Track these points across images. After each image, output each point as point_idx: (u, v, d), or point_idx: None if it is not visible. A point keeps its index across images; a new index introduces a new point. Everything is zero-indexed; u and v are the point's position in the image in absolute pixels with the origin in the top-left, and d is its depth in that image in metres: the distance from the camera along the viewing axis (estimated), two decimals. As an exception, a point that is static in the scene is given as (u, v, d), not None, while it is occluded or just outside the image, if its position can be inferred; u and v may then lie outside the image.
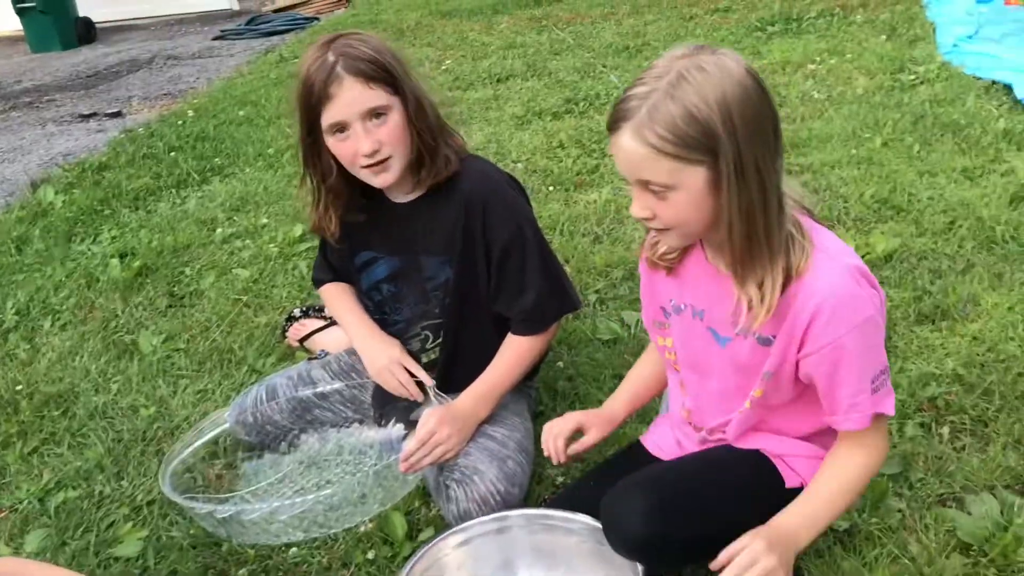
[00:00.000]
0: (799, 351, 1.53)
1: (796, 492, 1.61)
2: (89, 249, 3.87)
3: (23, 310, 3.37)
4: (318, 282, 2.45)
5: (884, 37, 5.66)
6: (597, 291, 3.06)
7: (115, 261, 3.63)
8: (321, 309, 2.99)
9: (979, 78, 4.56)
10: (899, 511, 1.89)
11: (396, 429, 2.31)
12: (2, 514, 2.29)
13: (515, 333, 2.18)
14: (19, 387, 2.83)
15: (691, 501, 1.62)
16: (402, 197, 2.16)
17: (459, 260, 2.14)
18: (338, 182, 2.10)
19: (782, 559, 1.46)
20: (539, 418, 2.43)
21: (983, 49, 4.97)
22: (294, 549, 2.06)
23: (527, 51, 6.65)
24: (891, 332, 2.53)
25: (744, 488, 1.68)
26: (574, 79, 5.67)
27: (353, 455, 2.38)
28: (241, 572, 2.01)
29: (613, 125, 1.46)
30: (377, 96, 1.97)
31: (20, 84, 8.31)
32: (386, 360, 2.21)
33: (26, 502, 2.32)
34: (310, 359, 2.56)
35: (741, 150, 1.39)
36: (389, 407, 2.33)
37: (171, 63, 8.35)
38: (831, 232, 1.56)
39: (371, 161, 1.99)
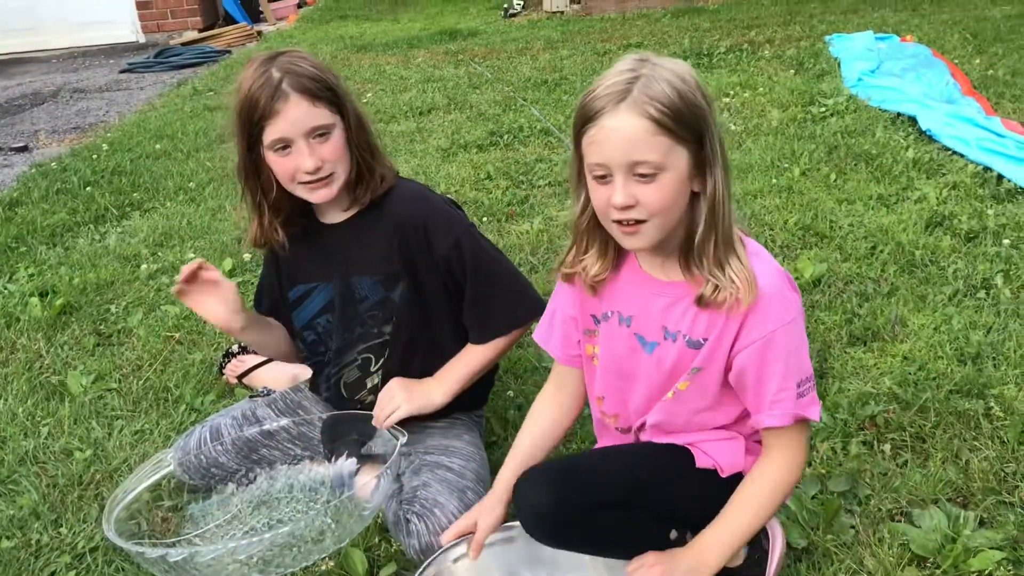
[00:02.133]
0: (732, 347, 1.59)
1: (706, 473, 1.68)
2: (6, 288, 3.71)
3: (-65, 354, 3.21)
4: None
5: (792, 71, 5.90)
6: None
7: (35, 300, 3.50)
8: (255, 344, 2.93)
9: (884, 110, 4.80)
10: (852, 527, 1.96)
11: (348, 463, 2.28)
12: (-69, 568, 2.17)
13: (474, 342, 2.18)
14: (-60, 433, 2.69)
15: (592, 471, 1.71)
16: (334, 217, 2.16)
17: (402, 278, 2.14)
18: (280, 197, 2.10)
19: None
20: (491, 448, 2.44)
21: (886, 83, 5.23)
22: (255, 589, 2.01)
23: (446, 84, 6.70)
24: (826, 354, 2.62)
25: (648, 456, 1.74)
26: (496, 112, 5.74)
27: (304, 492, 2.33)
28: (197, 616, 1.94)
29: (595, 113, 1.49)
30: (322, 115, 1.99)
31: (-86, 117, 7.94)
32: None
33: (-43, 554, 2.20)
34: (252, 396, 2.51)
35: (717, 132, 1.50)
36: (339, 442, 2.30)
37: (77, 96, 8.11)
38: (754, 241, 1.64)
39: (312, 178, 2.00)
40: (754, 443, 1.73)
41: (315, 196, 2.05)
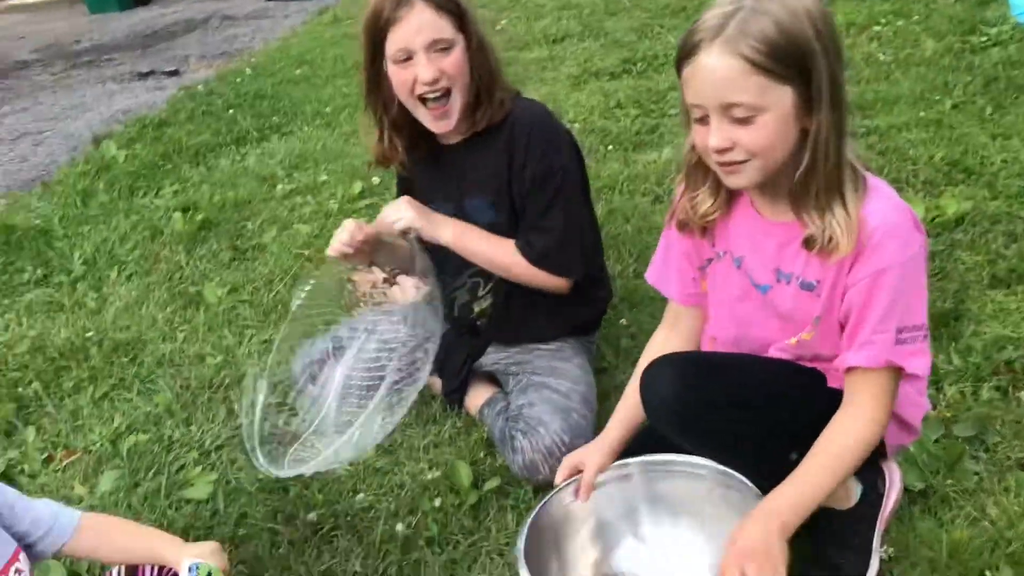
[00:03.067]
0: (844, 288, 1.50)
1: (836, 394, 1.56)
2: (152, 203, 3.92)
3: (90, 260, 3.43)
4: None
5: (953, -1, 5.49)
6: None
7: (178, 215, 3.68)
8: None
9: (1054, 40, 4.41)
10: (976, 474, 1.85)
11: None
12: (77, 455, 2.34)
13: (517, 247, 2.11)
14: (89, 334, 2.88)
15: (724, 368, 1.64)
16: (453, 139, 2.15)
17: (510, 202, 2.12)
18: (400, 115, 2.10)
19: (769, 558, 1.41)
20: (602, 374, 2.43)
21: (1058, 11, 4.79)
22: (361, 495, 2.09)
23: (582, 11, 6.56)
24: (964, 295, 2.47)
25: (781, 367, 1.64)
26: (631, 39, 5.58)
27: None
28: (310, 516, 2.03)
29: (692, 49, 1.42)
30: (444, 28, 1.97)
31: (80, 44, 8.41)
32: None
33: (99, 444, 2.37)
34: (374, 305, 2.57)
35: (833, 68, 1.38)
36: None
37: (226, 23, 8.39)
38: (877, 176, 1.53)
39: (431, 91, 1.99)
40: None
41: (436, 126, 2.06)
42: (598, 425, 2.15)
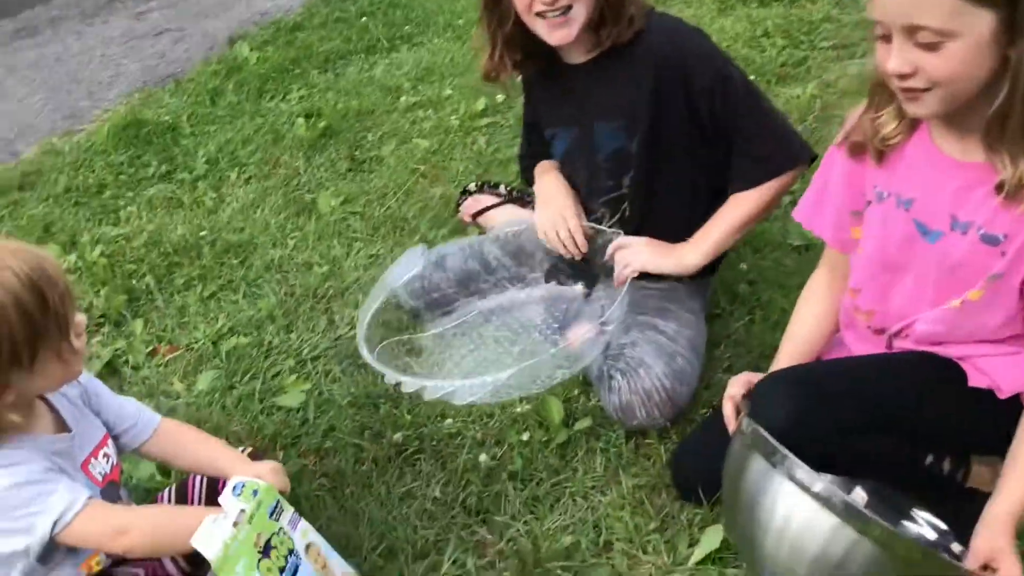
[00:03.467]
0: None
1: (981, 393, 1.42)
2: (278, 106, 3.92)
3: (213, 160, 3.46)
4: (523, 170, 2.34)
5: None
6: (792, 192, 2.81)
7: (301, 120, 3.66)
8: (496, 185, 2.90)
9: None
10: None
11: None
12: (179, 351, 2.37)
13: (735, 190, 1.98)
14: (203, 233, 2.91)
15: (842, 388, 1.48)
16: (577, 58, 2.01)
17: (647, 127, 1.97)
18: (514, 32, 1.97)
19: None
20: (714, 321, 2.28)
21: None
22: (449, 420, 2.03)
23: (738, -67, 6.17)
24: None
25: (910, 372, 1.49)
26: (787, -36, 5.22)
27: (519, 330, 2.29)
28: (396, 436, 1.99)
29: None
30: None
31: (228, -56, 8.50)
32: (552, 213, 2.10)
33: (201, 343, 2.39)
34: (482, 235, 2.49)
35: None
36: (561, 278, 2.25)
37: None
38: None
39: (549, 8, 1.85)
40: None
41: (553, 37, 1.91)
42: (704, 373, 2.03)
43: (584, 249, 2.07)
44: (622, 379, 1.92)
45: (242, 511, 1.31)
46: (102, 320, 2.51)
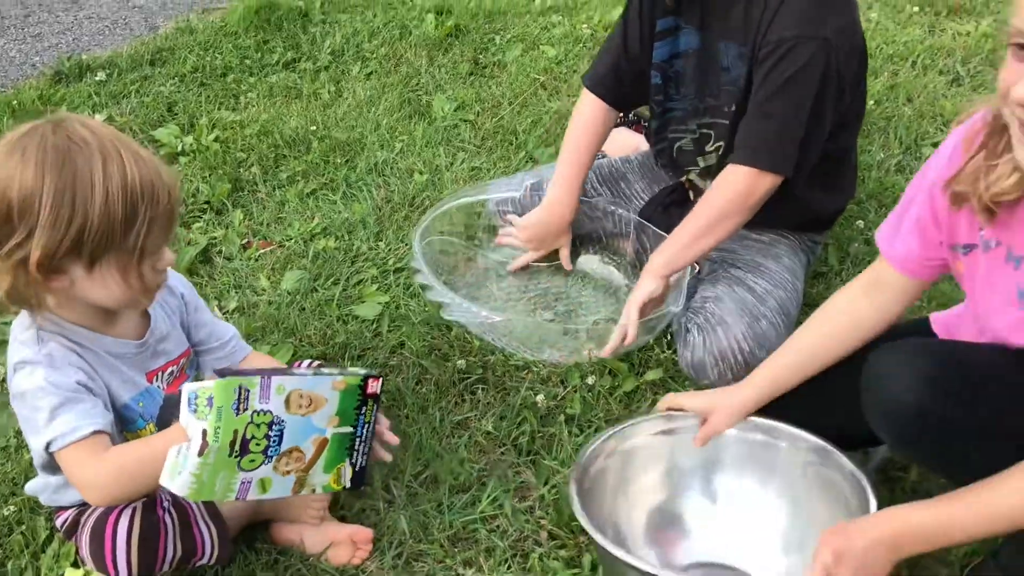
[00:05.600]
0: None
1: None
2: (409, 0, 3.83)
3: (338, 51, 3.43)
4: (588, 79, 2.19)
5: None
6: (935, 144, 2.56)
7: (431, 17, 3.57)
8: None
9: None
10: None
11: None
12: (271, 247, 2.39)
13: (735, 161, 1.82)
14: (314, 128, 2.90)
15: (977, 379, 1.27)
16: None
17: (750, 55, 1.82)
18: None
19: (862, 570, 1.20)
20: (818, 280, 2.12)
21: None
22: (518, 355, 1.98)
23: None
24: None
25: None
26: None
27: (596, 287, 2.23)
28: (460, 362, 1.96)
29: None
30: None
31: None
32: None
33: (293, 241, 2.40)
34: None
35: None
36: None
37: None
38: None
39: None
40: None
41: None
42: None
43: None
44: (698, 335, 1.81)
45: (204, 431, 1.23)
46: (206, 207, 2.55)
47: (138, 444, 1.37)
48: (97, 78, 3.21)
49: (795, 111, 1.74)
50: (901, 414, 1.28)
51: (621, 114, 2.50)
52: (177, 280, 1.57)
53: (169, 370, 1.49)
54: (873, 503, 1.35)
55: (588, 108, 2.15)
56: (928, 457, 1.36)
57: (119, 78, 3.22)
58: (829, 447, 1.47)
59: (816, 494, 1.50)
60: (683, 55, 1.98)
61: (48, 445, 1.29)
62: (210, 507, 1.46)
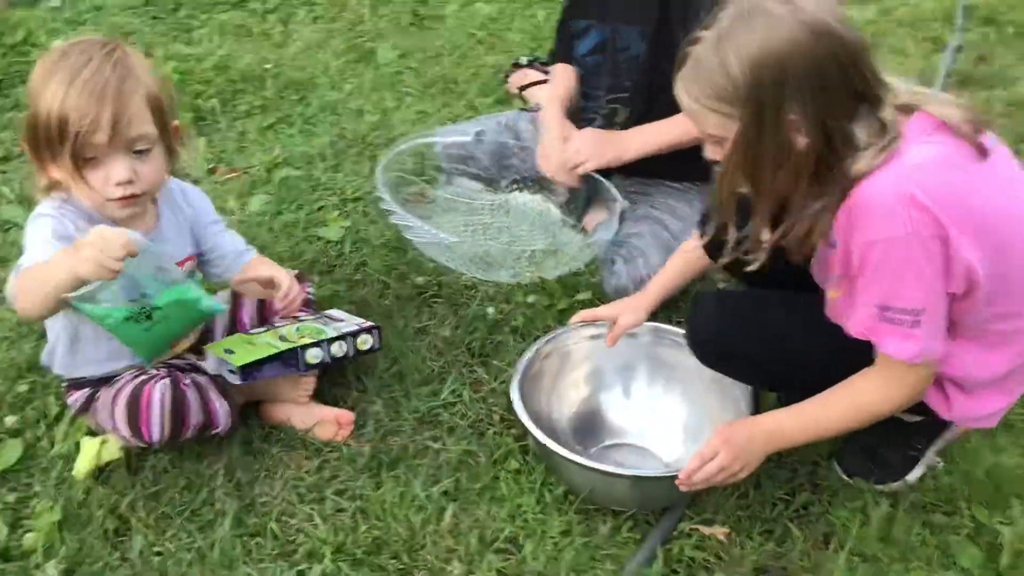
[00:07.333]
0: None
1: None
2: (352, -50, 4.02)
3: (284, -5, 3.62)
4: (553, 55, 2.50)
5: None
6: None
7: (372, -36, 3.78)
8: (547, 63, 3.06)
9: None
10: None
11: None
12: (236, 173, 2.62)
13: None
14: (268, 66, 3.10)
15: (759, 314, 1.67)
16: None
17: (652, 34, 2.15)
18: None
19: (742, 455, 1.52)
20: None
21: None
22: (464, 275, 2.27)
23: None
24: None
25: (822, 324, 1.59)
26: None
27: (535, 219, 2.53)
28: (419, 280, 2.25)
29: None
30: None
31: None
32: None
33: (256, 169, 2.63)
34: (522, 109, 2.68)
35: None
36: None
37: None
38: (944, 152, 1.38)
39: None
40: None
41: None
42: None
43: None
44: (622, 265, 2.15)
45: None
46: (169, 134, 2.74)
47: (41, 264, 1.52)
48: (52, 4, 3.32)
49: None
50: (699, 342, 1.71)
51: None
52: (195, 195, 1.82)
53: None
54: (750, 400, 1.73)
55: (559, 69, 2.43)
56: (729, 372, 1.75)
57: (72, 6, 3.33)
58: None
59: (714, 396, 1.83)
60: (593, 50, 2.31)
61: (16, 270, 1.51)
62: (221, 385, 1.73)
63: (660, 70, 2.14)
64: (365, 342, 1.87)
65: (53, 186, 1.58)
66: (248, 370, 1.71)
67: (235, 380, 1.71)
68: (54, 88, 1.47)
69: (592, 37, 2.29)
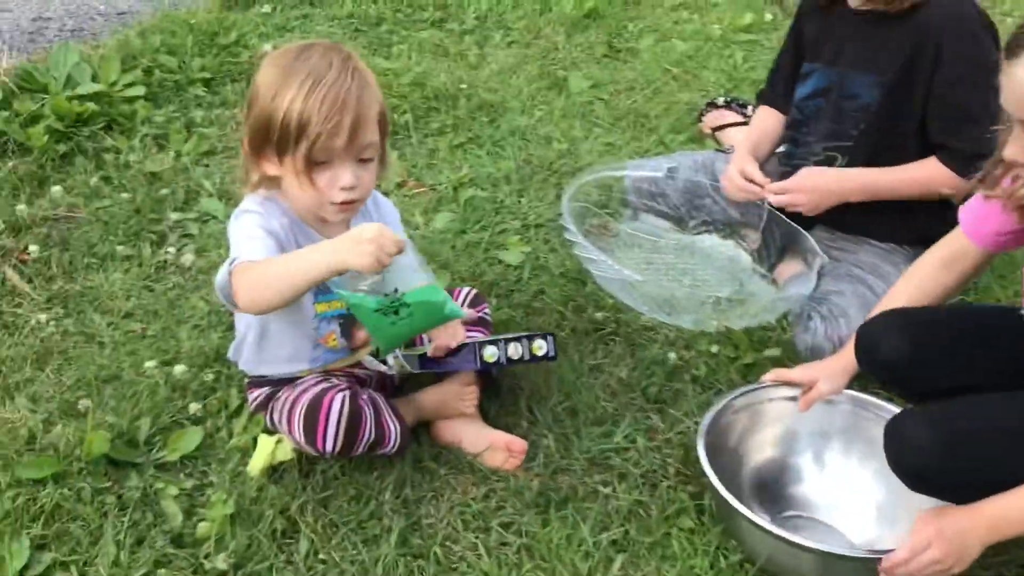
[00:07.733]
0: None
1: None
2: (553, -21, 4.04)
3: (482, 17, 3.66)
4: (760, 96, 2.42)
5: None
6: None
7: (571, -5, 3.79)
8: (744, 105, 2.96)
9: None
10: None
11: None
12: (424, 189, 2.63)
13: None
14: (462, 86, 3.13)
15: (982, 446, 1.46)
16: (863, 5, 2.06)
17: (891, 85, 2.02)
18: None
19: (953, 552, 1.37)
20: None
21: None
22: (646, 316, 2.20)
23: None
24: None
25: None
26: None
27: (723, 265, 2.43)
28: (597, 314, 2.18)
29: (1015, 50, 1.30)
30: None
31: None
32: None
33: (443, 186, 2.64)
34: (718, 151, 2.59)
35: None
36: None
37: None
38: None
39: None
40: None
41: None
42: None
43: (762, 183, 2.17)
44: (820, 323, 2.02)
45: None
46: (364, 144, 2.80)
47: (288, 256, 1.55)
48: (263, 10, 3.47)
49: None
50: (913, 460, 1.47)
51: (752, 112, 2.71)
52: (387, 206, 1.84)
53: None
54: None
55: (763, 112, 2.37)
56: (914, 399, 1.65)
57: (282, 13, 3.48)
58: None
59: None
60: (816, 92, 2.19)
61: (231, 263, 1.53)
62: (393, 406, 1.72)
63: (894, 122, 2.05)
64: (540, 347, 1.83)
65: (263, 182, 1.62)
66: (426, 359, 1.75)
67: (413, 368, 1.75)
68: (296, 89, 1.50)
69: (815, 81, 2.18)
